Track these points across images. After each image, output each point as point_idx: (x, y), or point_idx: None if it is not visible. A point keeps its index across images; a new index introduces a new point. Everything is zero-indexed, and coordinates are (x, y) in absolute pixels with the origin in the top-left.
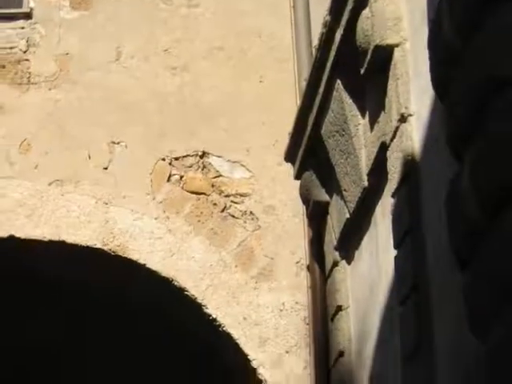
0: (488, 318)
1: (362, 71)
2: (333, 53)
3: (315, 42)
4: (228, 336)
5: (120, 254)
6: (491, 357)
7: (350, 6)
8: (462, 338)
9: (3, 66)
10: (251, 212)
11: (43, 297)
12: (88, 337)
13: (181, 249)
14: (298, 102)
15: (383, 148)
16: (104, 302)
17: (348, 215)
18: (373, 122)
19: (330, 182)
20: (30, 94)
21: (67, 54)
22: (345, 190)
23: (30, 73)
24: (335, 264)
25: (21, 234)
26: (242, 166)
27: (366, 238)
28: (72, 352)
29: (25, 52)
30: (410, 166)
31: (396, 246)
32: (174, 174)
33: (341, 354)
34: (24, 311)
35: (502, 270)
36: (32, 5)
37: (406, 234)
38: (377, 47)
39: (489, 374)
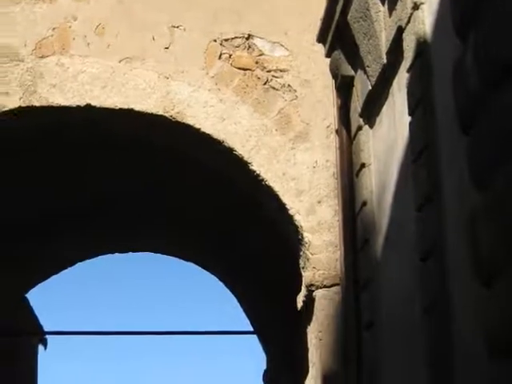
0: (487, 173)
1: None
2: None
3: None
4: (269, 189)
5: (179, 119)
6: (493, 203)
7: None
8: (465, 190)
9: None
10: (289, 85)
11: (115, 156)
12: (149, 188)
13: (230, 115)
14: None
15: (399, 31)
16: (163, 162)
17: (370, 87)
18: (391, 9)
19: (355, 60)
20: None
21: None
22: (367, 66)
23: None
24: (359, 128)
25: (96, 103)
26: (282, 45)
27: (385, 107)
28: (137, 199)
29: None
30: (422, 46)
31: (410, 113)
32: (224, 53)
33: (364, 203)
34: (100, 169)
35: (500, 131)
36: None
37: (418, 103)
38: None
39: (490, 218)
